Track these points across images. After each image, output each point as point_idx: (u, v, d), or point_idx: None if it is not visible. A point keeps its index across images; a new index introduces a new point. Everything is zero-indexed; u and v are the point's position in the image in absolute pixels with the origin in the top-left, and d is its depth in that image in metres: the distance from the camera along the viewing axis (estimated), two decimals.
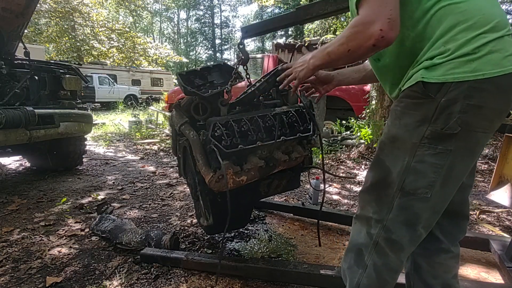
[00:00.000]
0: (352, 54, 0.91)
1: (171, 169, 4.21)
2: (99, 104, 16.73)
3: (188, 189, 3.01)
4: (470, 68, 0.83)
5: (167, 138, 6.60)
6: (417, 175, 0.93)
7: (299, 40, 11.52)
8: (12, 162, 4.47)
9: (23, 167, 4.25)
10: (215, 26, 47.83)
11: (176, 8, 43.90)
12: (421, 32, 0.90)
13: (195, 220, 2.44)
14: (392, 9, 0.84)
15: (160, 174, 3.98)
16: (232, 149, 1.44)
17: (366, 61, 1.37)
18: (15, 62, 3.58)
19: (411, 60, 0.95)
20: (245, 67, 1.73)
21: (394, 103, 1.00)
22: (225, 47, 48.91)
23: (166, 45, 25.20)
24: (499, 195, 2.92)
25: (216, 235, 2.16)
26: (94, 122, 5.03)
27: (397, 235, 0.97)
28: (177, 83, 1.78)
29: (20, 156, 4.35)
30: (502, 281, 1.65)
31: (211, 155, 1.45)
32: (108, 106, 16.20)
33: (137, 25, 35.50)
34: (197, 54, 47.36)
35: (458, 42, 0.85)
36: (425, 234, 1.00)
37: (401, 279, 1.23)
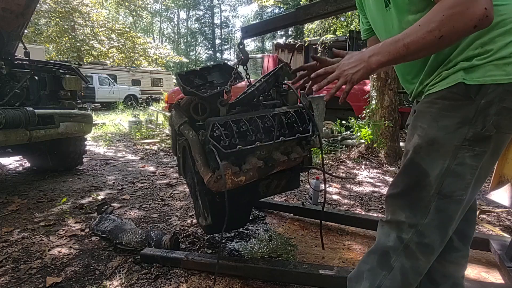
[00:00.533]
0: (442, 42, 0.81)
1: (171, 169, 4.22)
2: (99, 104, 16.73)
3: (188, 189, 3.01)
4: (506, 71, 0.84)
5: (167, 138, 6.60)
6: (456, 177, 0.92)
7: (299, 40, 11.52)
8: (12, 162, 4.47)
9: (23, 167, 4.25)
10: (215, 26, 47.86)
11: (176, 8, 43.91)
12: None
13: (195, 220, 2.44)
14: None
15: (160, 174, 3.98)
16: (231, 150, 1.44)
17: None
18: (15, 62, 3.58)
19: (441, 59, 0.93)
20: (245, 67, 1.74)
21: (424, 104, 0.97)
22: (225, 47, 48.95)
23: (166, 45, 25.24)
24: (499, 195, 2.92)
25: (216, 234, 2.17)
26: (94, 122, 5.03)
27: (430, 239, 0.96)
28: (176, 83, 1.78)
29: (20, 156, 4.35)
30: (502, 281, 1.65)
31: (210, 155, 1.45)
32: (108, 106, 16.20)
33: (137, 25, 35.51)
34: (197, 54, 47.39)
35: (496, 44, 0.85)
36: (450, 235, 0.99)
37: None
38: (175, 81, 22.33)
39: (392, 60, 0.90)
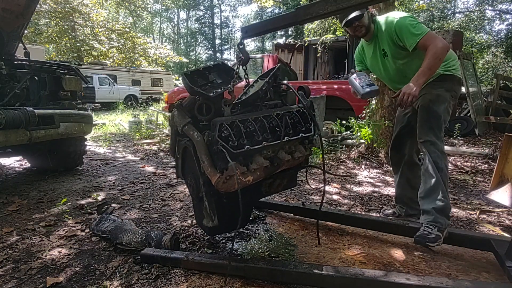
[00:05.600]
0: (441, 60, 1.89)
1: (171, 170, 4.21)
2: (99, 105, 16.72)
3: (188, 190, 3.00)
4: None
5: (167, 138, 6.60)
6: (448, 113, 2.05)
7: (299, 40, 11.51)
8: (13, 162, 4.47)
9: (23, 168, 4.25)
10: (215, 26, 47.82)
11: (176, 8, 43.88)
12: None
13: (195, 220, 2.44)
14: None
15: (160, 174, 3.98)
16: (239, 150, 1.44)
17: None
18: (15, 62, 3.58)
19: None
20: (244, 68, 1.74)
21: (428, 86, 2.04)
22: (225, 47, 48.89)
23: (166, 45, 25.19)
24: (499, 195, 2.92)
25: (216, 235, 2.16)
26: (94, 123, 5.03)
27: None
28: (177, 84, 1.77)
29: (20, 157, 4.35)
30: (502, 281, 1.65)
31: (217, 155, 1.44)
32: (108, 107, 16.19)
33: (137, 25, 35.48)
34: (197, 54, 47.33)
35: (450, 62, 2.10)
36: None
37: None
38: (175, 81, 22.32)
39: (426, 78, 1.88)
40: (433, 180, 1.89)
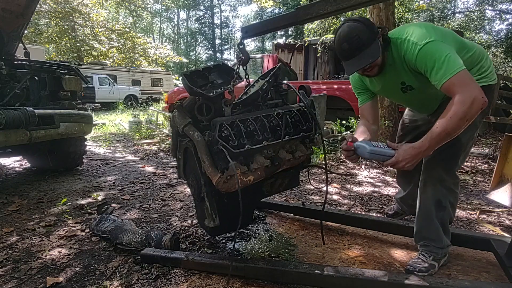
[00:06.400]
0: (469, 122, 1.34)
1: (171, 170, 4.21)
2: (99, 105, 16.73)
3: (188, 189, 3.00)
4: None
5: (167, 138, 6.60)
6: (473, 138, 1.69)
7: (299, 40, 11.51)
8: (12, 162, 4.47)
9: (23, 168, 4.25)
10: (215, 26, 47.83)
11: (176, 8, 43.89)
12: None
13: (195, 220, 2.44)
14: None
15: (160, 174, 3.98)
16: (239, 149, 1.44)
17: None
18: (15, 62, 3.58)
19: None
20: (244, 67, 1.74)
21: None
22: (225, 47, 48.93)
23: (166, 45, 25.18)
24: (499, 195, 2.92)
25: (218, 235, 2.16)
26: (94, 123, 5.03)
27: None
28: (177, 84, 1.78)
29: (20, 157, 4.35)
30: (502, 281, 1.65)
31: (217, 155, 1.44)
32: (108, 107, 16.20)
33: (137, 25, 35.48)
34: (197, 54, 47.35)
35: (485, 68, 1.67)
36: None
37: None
38: (175, 81, 22.32)
39: (439, 145, 1.40)
40: (430, 221, 1.71)
